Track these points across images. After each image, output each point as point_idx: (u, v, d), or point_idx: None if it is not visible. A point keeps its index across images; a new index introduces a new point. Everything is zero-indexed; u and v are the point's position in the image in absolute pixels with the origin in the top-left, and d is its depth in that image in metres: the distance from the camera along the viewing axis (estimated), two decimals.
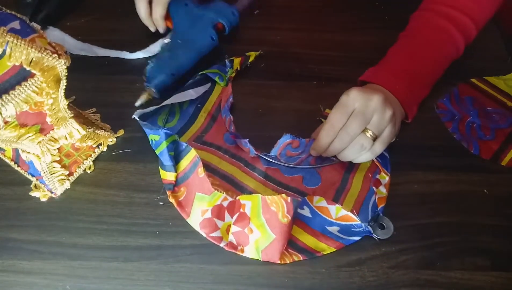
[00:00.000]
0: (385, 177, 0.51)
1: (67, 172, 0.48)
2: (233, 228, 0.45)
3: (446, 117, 0.57)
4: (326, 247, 0.46)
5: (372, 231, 0.46)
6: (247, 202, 0.45)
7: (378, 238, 0.46)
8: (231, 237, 0.46)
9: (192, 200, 0.48)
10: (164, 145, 0.48)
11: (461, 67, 0.57)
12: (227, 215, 0.47)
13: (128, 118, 0.53)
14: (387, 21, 0.66)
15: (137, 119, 0.49)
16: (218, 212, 0.47)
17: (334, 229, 0.47)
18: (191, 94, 0.55)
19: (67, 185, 0.48)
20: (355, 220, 0.46)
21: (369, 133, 0.47)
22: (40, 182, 0.48)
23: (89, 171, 0.50)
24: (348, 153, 0.48)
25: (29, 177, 0.48)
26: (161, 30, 0.61)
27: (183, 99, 0.53)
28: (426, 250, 0.46)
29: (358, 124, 0.47)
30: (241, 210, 0.45)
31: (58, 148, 0.46)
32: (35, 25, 0.38)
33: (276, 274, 0.44)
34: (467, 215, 0.49)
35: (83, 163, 0.50)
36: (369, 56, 0.56)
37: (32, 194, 0.48)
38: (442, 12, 0.55)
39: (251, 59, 0.60)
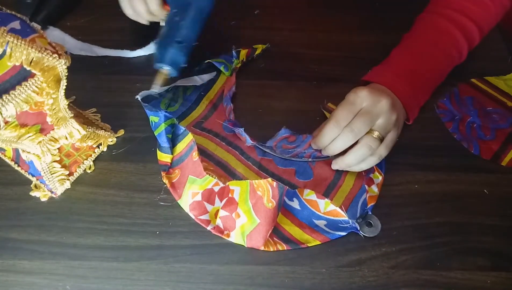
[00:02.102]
0: (378, 177, 0.51)
1: (67, 172, 0.48)
2: (221, 213, 0.46)
3: (446, 117, 0.57)
4: (311, 239, 0.46)
5: (358, 228, 0.46)
6: (236, 188, 0.45)
7: (364, 236, 0.46)
8: (218, 221, 0.46)
9: (184, 183, 0.48)
10: (162, 127, 0.49)
11: (461, 67, 0.57)
12: (217, 199, 0.47)
13: (128, 118, 0.53)
14: (387, 21, 0.66)
15: (140, 100, 0.50)
16: (209, 196, 0.47)
17: (321, 222, 0.47)
18: (196, 80, 0.56)
19: (67, 185, 0.48)
20: (342, 215, 0.46)
21: (375, 134, 0.47)
22: (40, 182, 0.48)
23: (89, 171, 0.50)
24: (353, 157, 0.47)
25: (29, 177, 0.48)
26: (163, 19, 0.56)
27: (188, 83, 0.55)
28: (426, 250, 0.46)
29: (364, 123, 0.46)
30: (230, 195, 0.46)
31: (58, 148, 0.46)
32: (35, 25, 0.37)
33: (276, 274, 0.44)
34: (467, 215, 0.49)
35: (83, 163, 0.50)
36: (369, 56, 0.56)
37: (32, 194, 0.48)
38: (448, 16, 0.55)
39: (258, 51, 0.61)
